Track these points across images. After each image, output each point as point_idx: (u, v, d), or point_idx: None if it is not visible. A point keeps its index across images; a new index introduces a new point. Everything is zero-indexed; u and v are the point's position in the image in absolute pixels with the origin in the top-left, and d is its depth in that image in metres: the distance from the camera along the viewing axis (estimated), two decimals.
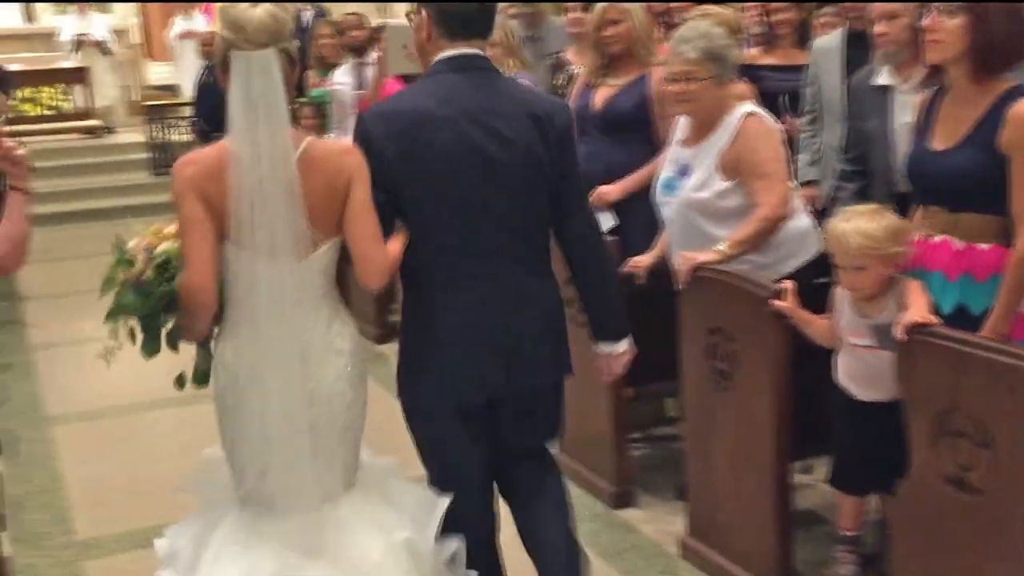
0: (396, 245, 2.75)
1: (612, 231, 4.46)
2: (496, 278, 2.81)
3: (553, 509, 3.06)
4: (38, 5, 16.06)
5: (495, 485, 3.05)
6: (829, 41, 4.70)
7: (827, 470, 3.57)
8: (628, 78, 4.60)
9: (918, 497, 2.92)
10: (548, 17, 6.58)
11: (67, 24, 14.62)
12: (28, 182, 3.37)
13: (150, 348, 2.78)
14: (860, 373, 3.25)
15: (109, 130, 13.81)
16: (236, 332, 2.64)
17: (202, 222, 2.55)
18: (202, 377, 2.84)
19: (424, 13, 2.83)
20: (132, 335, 2.78)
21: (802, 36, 5.10)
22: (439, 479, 2.90)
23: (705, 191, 3.72)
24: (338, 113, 7.12)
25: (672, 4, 5.64)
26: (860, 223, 3.13)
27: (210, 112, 9.62)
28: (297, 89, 7.77)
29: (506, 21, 5.42)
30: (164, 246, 2.76)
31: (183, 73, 12.89)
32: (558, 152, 2.84)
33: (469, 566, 2.83)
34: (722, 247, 3.62)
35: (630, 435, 4.41)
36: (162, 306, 2.73)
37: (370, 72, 6.80)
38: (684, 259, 3.67)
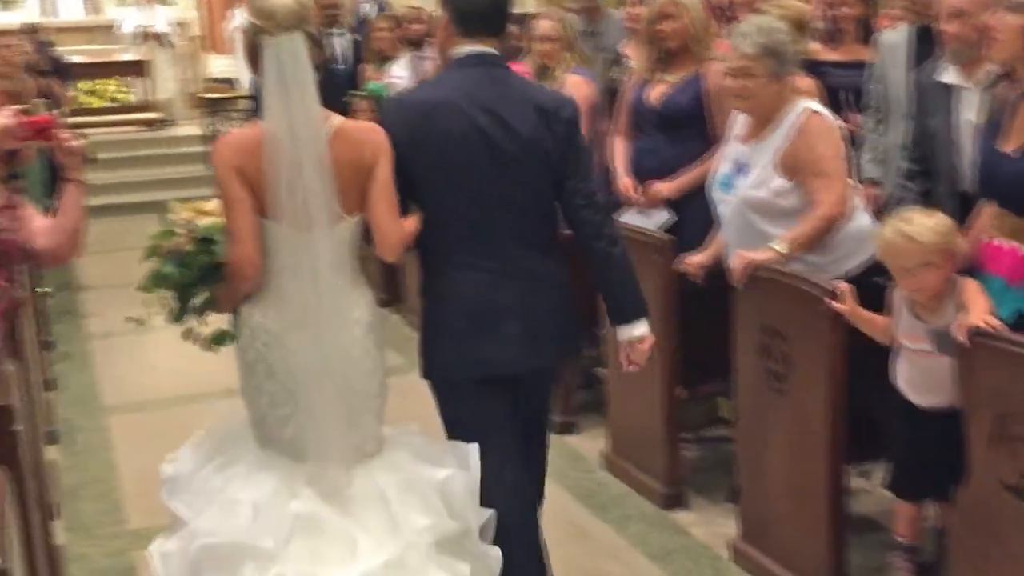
0: (411, 223, 2.95)
1: (669, 228, 4.46)
2: (505, 259, 2.96)
3: (531, 473, 3.16)
4: None
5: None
6: (895, 36, 4.63)
7: (884, 475, 3.53)
8: (684, 74, 4.58)
9: (977, 504, 2.89)
10: (607, 11, 6.56)
11: (129, 16, 14.86)
12: (83, 173, 3.45)
13: (179, 317, 2.96)
14: (918, 379, 3.21)
15: (169, 123, 14.02)
16: (266, 296, 2.84)
17: (243, 200, 2.76)
18: (219, 339, 3.03)
19: (445, 13, 3.05)
20: (165, 305, 2.94)
21: (866, 31, 5.04)
22: (459, 432, 2.99)
23: (762, 189, 3.69)
24: None
25: None
26: (918, 222, 3.09)
27: None
28: (352, 82, 7.85)
29: (564, 15, 5.42)
30: (206, 222, 2.92)
31: (241, 65, 13.03)
32: (565, 143, 2.99)
33: (506, 541, 2.92)
34: (778, 246, 3.60)
35: (682, 436, 4.41)
36: (198, 278, 2.91)
37: (428, 66, 6.83)
38: (740, 258, 3.65)
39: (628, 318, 3.12)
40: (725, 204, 3.86)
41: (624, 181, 4.72)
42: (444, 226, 2.96)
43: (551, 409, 3.37)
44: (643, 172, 4.67)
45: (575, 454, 4.75)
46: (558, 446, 4.79)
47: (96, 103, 13.75)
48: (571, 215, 3.03)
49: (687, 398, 4.34)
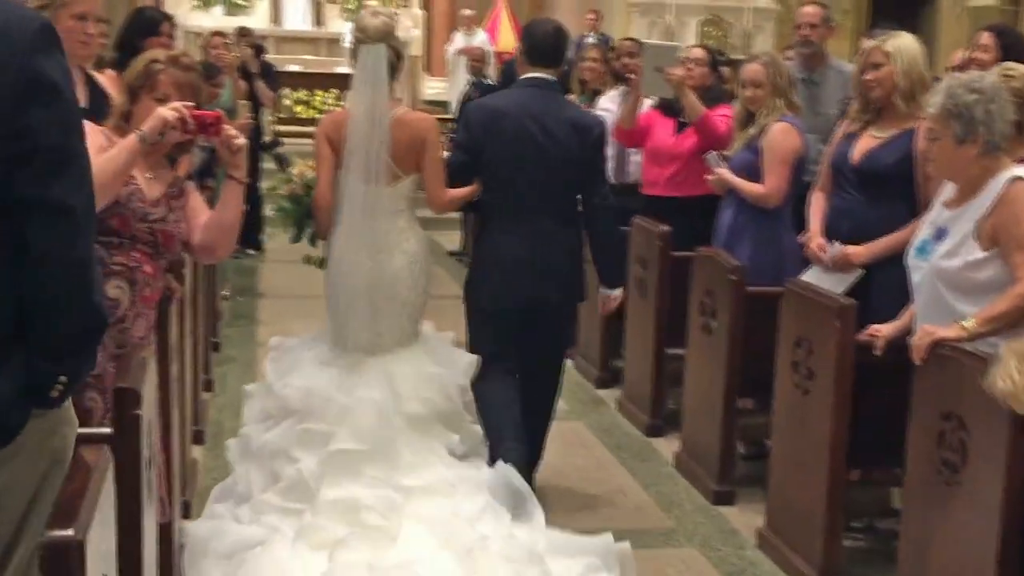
0: (461, 191, 4.36)
1: (852, 292, 4.30)
2: (532, 225, 4.38)
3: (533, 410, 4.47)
4: (327, 9, 17.17)
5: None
6: None
7: None
8: (894, 130, 4.43)
9: None
10: (830, 60, 6.43)
11: (351, 29, 15.53)
12: (244, 172, 3.62)
13: (295, 239, 4.37)
14: None
15: None
16: (339, 230, 4.15)
17: (327, 158, 4.15)
18: (320, 263, 4.33)
19: (520, 46, 4.59)
20: (288, 231, 4.35)
21: None
22: (481, 348, 4.35)
23: (956, 259, 3.53)
24: None
25: (976, 55, 5.36)
26: None
27: None
28: None
29: (775, 59, 5.33)
30: (312, 174, 4.27)
31: (453, 89, 13.41)
32: (589, 154, 4.43)
33: (497, 435, 4.27)
34: (968, 323, 3.43)
35: (847, 522, 4.24)
36: (306, 212, 4.26)
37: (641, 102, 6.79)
38: (923, 333, 3.51)
39: (612, 285, 4.65)
40: (918, 271, 3.72)
41: (816, 241, 4.61)
42: (494, 197, 4.41)
43: (566, 343, 4.74)
44: (839, 234, 4.54)
45: (728, 527, 4.63)
46: (711, 516, 4.71)
47: (305, 113, 14.38)
48: (587, 205, 4.47)
49: (858, 480, 4.18)
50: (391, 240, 4.12)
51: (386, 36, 4.05)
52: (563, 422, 5.87)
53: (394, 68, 4.07)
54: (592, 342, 6.60)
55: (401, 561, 3.64)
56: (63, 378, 2.21)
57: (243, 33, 10.14)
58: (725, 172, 5.22)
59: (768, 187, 5.08)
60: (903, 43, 4.41)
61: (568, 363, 6.81)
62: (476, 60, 10.55)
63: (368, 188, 4.03)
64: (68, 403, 2.40)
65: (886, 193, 4.44)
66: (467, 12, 15.64)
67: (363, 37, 4.05)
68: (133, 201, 3.42)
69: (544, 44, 4.44)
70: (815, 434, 4.08)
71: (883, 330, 3.92)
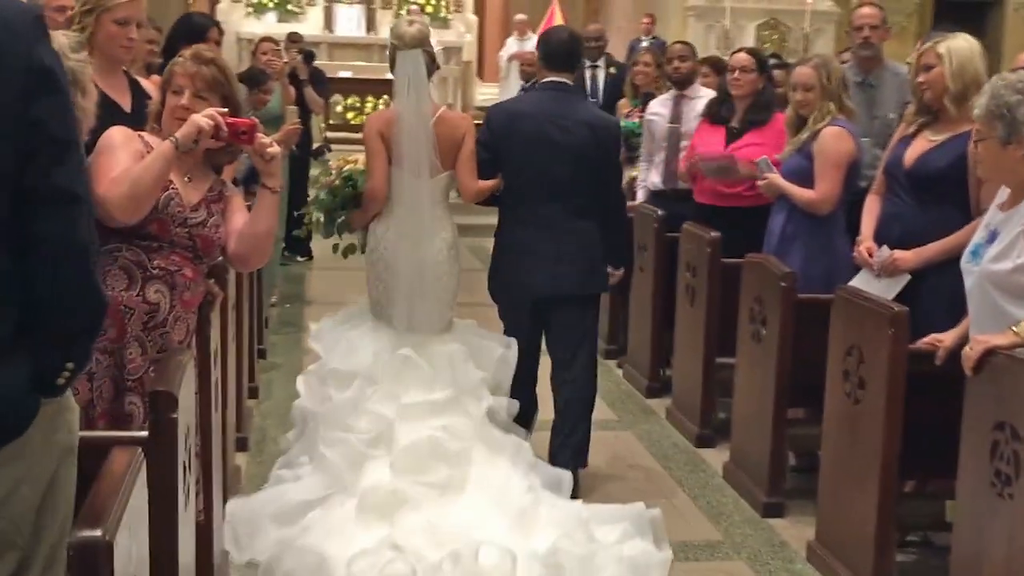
0: (488, 184, 4.76)
1: (901, 296, 4.26)
2: (550, 218, 4.75)
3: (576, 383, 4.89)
4: (380, 15, 17.29)
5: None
6: None
7: None
8: (948, 133, 4.39)
9: None
10: (887, 63, 6.37)
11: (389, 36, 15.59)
12: (278, 181, 3.65)
13: (326, 232, 4.73)
14: None
15: None
16: (388, 217, 4.62)
17: (380, 152, 4.56)
18: (348, 250, 4.90)
19: (537, 52, 5.05)
20: (317, 223, 4.68)
21: None
22: (508, 333, 4.83)
23: (1006, 262, 3.49)
24: (647, 147, 7.15)
25: None
26: None
27: None
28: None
29: (828, 62, 5.29)
30: (348, 167, 4.68)
31: (505, 95, 13.40)
32: (603, 154, 4.82)
33: (513, 393, 4.66)
34: (1021, 328, 3.38)
35: (901, 536, 4.19)
36: (340, 204, 4.65)
37: (694, 106, 6.76)
38: (976, 343, 3.47)
39: (616, 265, 5.02)
40: (971, 276, 3.68)
41: (865, 245, 4.57)
42: (514, 191, 4.81)
43: (590, 331, 4.96)
44: (889, 239, 4.50)
45: (778, 540, 4.59)
46: (760, 528, 4.67)
47: (357, 120, 14.48)
48: (604, 197, 4.82)
49: (911, 493, 4.14)
50: (433, 227, 4.61)
51: (422, 42, 4.49)
52: (611, 431, 5.88)
53: (430, 71, 4.54)
54: (641, 350, 6.58)
55: (458, 522, 3.99)
56: (70, 364, 2.24)
57: (293, 39, 10.23)
58: (776, 177, 5.19)
59: (819, 193, 5.04)
60: (955, 44, 4.36)
61: (618, 372, 6.86)
62: (528, 65, 10.51)
63: (415, 181, 4.52)
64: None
65: (938, 197, 4.39)
66: (520, 17, 15.69)
67: (400, 44, 4.49)
68: (171, 206, 3.46)
69: (560, 50, 4.88)
70: (866, 445, 4.04)
71: (944, 339, 3.87)
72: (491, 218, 5.02)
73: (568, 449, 4.81)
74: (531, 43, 14.67)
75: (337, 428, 4.31)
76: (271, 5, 17.30)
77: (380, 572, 3.73)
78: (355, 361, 4.50)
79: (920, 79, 4.39)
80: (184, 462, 2.99)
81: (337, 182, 4.64)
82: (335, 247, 4.87)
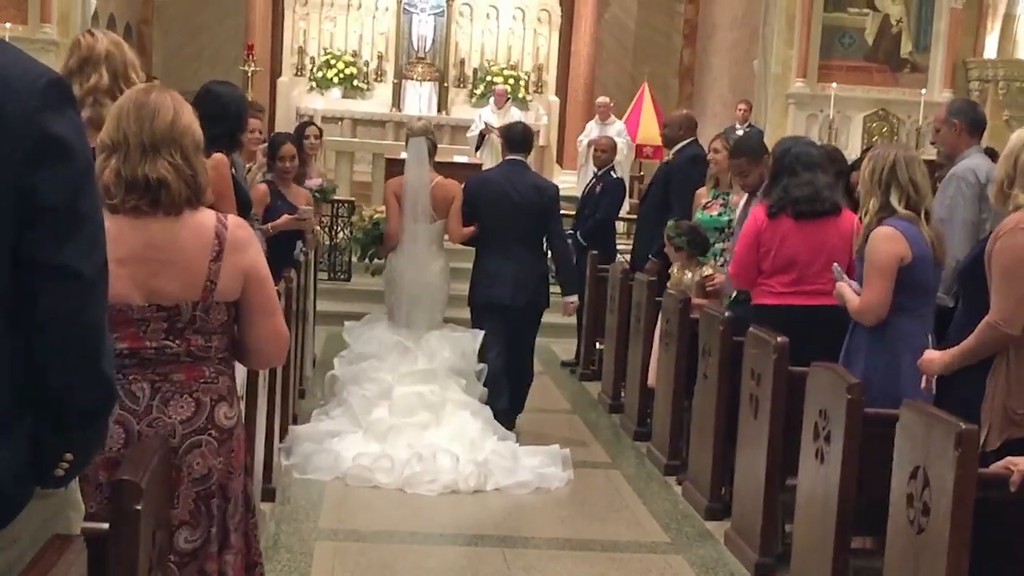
0: (468, 230, 7.60)
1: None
2: (512, 254, 7.54)
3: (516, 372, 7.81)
4: (452, 93, 17.56)
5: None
6: None
7: None
8: None
9: None
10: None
11: (481, 115, 15.85)
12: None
13: (362, 259, 8.54)
14: None
15: None
16: (400, 251, 7.58)
17: (394, 206, 7.57)
18: (376, 270, 8.15)
19: (501, 139, 8.54)
20: (354, 251, 9.78)
21: None
22: (485, 334, 7.53)
23: None
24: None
25: None
26: None
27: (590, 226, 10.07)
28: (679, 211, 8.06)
29: (882, 155, 5.04)
30: (376, 216, 7.92)
31: (582, 183, 13.40)
32: (547, 210, 7.74)
33: (488, 382, 7.48)
34: None
35: None
36: (372, 240, 7.87)
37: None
38: (1009, 462, 3.41)
39: (568, 292, 8.00)
40: None
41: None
42: (486, 236, 7.61)
43: (533, 333, 7.92)
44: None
45: None
46: None
47: None
48: (550, 239, 7.84)
49: None
50: (428, 258, 7.56)
51: (425, 132, 7.66)
52: (661, 555, 5.82)
53: (430, 153, 7.55)
54: (702, 467, 6.50)
55: (430, 443, 6.81)
56: (69, 455, 2.26)
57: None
58: (843, 284, 5.16)
59: (862, 301, 5.04)
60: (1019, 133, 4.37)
61: (676, 489, 6.79)
62: (601, 150, 10.42)
63: (416, 226, 7.47)
64: (75, 485, 2.45)
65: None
66: (603, 100, 15.72)
67: (411, 133, 7.70)
68: None
69: (516, 138, 7.90)
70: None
71: (1019, 462, 3.79)
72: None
73: (507, 404, 7.60)
74: (614, 128, 14.75)
75: (356, 387, 7.22)
76: (336, 80, 17.66)
77: (372, 462, 6.61)
78: (370, 348, 7.47)
79: None
80: (151, 559, 2.99)
81: (369, 226, 7.88)
82: (366, 267, 8.60)
